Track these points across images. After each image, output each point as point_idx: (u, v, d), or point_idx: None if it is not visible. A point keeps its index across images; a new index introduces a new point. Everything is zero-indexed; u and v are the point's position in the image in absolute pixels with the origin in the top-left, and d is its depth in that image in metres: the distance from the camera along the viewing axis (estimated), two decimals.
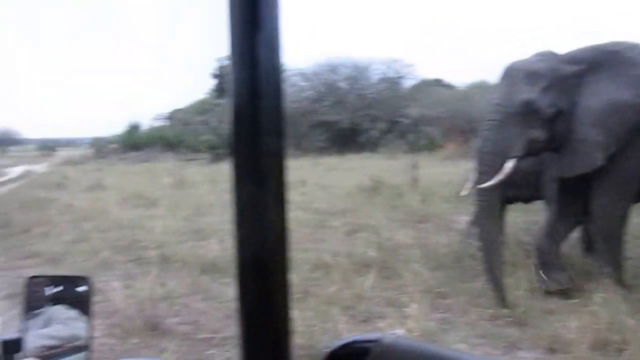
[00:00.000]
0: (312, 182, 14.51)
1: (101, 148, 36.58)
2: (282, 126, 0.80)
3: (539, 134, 5.54)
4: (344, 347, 0.83)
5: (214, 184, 15.86)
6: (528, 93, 5.51)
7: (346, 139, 28.73)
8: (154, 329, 5.07)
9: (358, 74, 31.32)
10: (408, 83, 32.07)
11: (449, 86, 31.99)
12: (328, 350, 0.84)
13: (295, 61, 29.68)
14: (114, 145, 36.62)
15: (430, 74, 34.25)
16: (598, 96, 5.54)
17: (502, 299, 5.33)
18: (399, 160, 19.17)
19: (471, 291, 5.72)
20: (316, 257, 6.79)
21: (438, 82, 32.55)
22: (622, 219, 5.75)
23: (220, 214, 10.22)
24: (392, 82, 31.45)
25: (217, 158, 26.64)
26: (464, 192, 6.31)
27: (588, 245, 6.70)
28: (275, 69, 0.79)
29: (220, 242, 7.74)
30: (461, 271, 6.35)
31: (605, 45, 5.72)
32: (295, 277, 6.12)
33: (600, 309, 4.70)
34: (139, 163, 27.16)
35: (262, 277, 0.82)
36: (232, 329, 4.89)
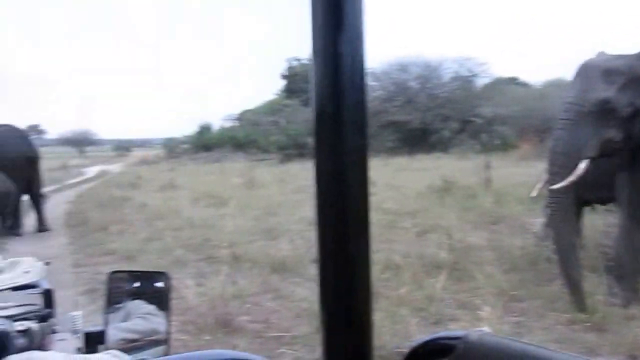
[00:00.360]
0: (383, 182, 14.42)
1: (173, 148, 37.48)
2: (365, 124, 0.80)
3: (614, 134, 5.32)
4: (427, 344, 0.82)
5: (283, 184, 16.03)
6: (604, 91, 5.30)
7: (417, 139, 28.49)
8: (226, 326, 5.15)
9: (429, 73, 31.00)
10: (481, 82, 31.55)
11: (524, 84, 31.24)
12: (411, 346, 0.82)
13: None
14: (185, 146, 37.48)
15: (505, 72, 33.60)
16: None
17: (580, 303, 5.16)
18: (471, 160, 18.85)
19: (547, 295, 5.57)
20: (387, 257, 6.75)
21: (513, 81, 31.85)
22: None
23: (290, 214, 10.32)
24: (464, 81, 30.97)
25: (286, 158, 26.89)
26: (533, 193, 6.14)
27: None
28: (358, 67, 0.79)
29: (290, 241, 7.80)
30: (536, 274, 6.19)
31: None
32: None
33: None
34: (210, 163, 27.66)
35: (344, 274, 0.81)
36: (302, 328, 4.93)
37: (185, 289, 5.76)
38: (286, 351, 4.63)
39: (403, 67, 31.19)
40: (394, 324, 4.76)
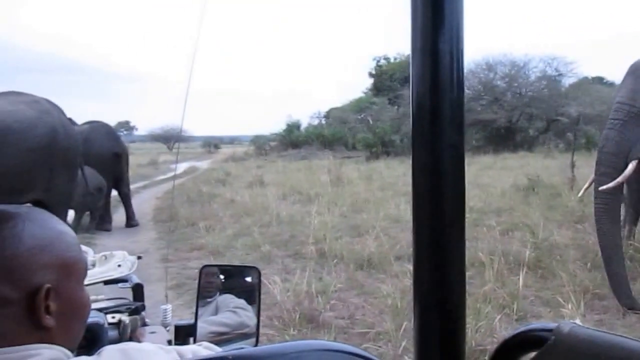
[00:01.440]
0: (468, 180, 13.88)
1: (261, 145, 38.08)
2: (462, 121, 0.83)
3: None
4: (519, 335, 0.81)
5: (369, 181, 16.06)
6: None
7: (502, 137, 27.92)
8: (311, 321, 5.27)
9: (516, 72, 30.28)
10: (568, 81, 30.59)
11: (610, 84, 30.07)
12: (503, 338, 0.82)
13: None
14: (273, 143, 37.98)
15: (592, 72, 32.49)
16: None
17: (626, 301, 5.12)
18: (556, 159, 18.34)
19: (634, 292, 5.46)
20: (471, 255, 6.74)
21: (599, 80, 30.75)
22: None
23: (375, 211, 10.38)
24: (550, 80, 30.10)
25: (372, 156, 26.91)
26: (580, 193, 5.99)
27: None
28: (456, 65, 0.82)
29: (375, 238, 7.87)
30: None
31: None
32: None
33: None
34: (297, 160, 27.92)
35: (439, 270, 0.84)
36: (386, 325, 5.01)
37: (272, 284, 5.89)
38: (370, 347, 4.68)
39: (489, 66, 30.59)
40: (477, 321, 4.78)
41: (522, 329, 0.81)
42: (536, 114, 28.23)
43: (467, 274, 6.00)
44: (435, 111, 0.81)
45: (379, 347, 4.69)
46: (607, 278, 5.35)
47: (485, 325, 4.73)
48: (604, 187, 5.25)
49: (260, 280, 1.71)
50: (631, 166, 5.21)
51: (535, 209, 9.76)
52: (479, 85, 30.30)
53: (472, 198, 11.11)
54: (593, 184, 5.55)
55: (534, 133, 27.94)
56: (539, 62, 30.33)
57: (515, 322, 5.03)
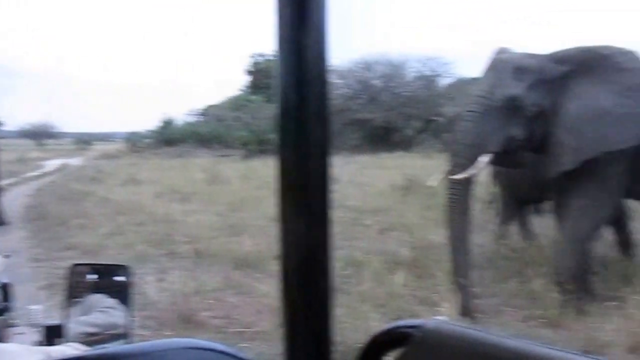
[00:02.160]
0: (346, 180, 14.46)
1: (136, 143, 36.98)
2: (328, 118, 0.81)
3: (518, 131, 5.40)
4: (386, 333, 0.82)
5: (247, 180, 15.95)
6: (514, 88, 5.37)
7: (380, 137, 28.59)
8: (187, 321, 5.14)
9: (393, 71, 31.09)
10: (445, 81, 31.78)
11: None
12: (371, 336, 0.83)
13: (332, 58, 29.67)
14: (148, 140, 37.00)
15: (468, 73, 33.96)
16: (580, 100, 5.40)
17: (462, 295, 5.24)
18: (433, 159, 19.00)
19: (504, 292, 5.67)
20: (349, 254, 6.80)
21: (476, 81, 32.12)
22: (598, 225, 5.65)
23: (253, 210, 10.29)
24: (427, 80, 31.16)
25: (250, 154, 26.78)
26: (432, 183, 6.17)
27: (624, 247, 6.63)
28: (321, 62, 0.80)
29: (253, 237, 7.79)
30: (494, 272, 6.30)
31: (596, 48, 5.57)
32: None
33: (636, 311, 4.63)
34: (173, 158, 27.39)
35: (306, 268, 0.82)
36: (264, 324, 4.94)
37: (147, 284, 5.72)
38: (248, 346, 4.63)
39: (367, 66, 31.23)
40: (355, 320, 4.79)
41: (389, 326, 0.82)
42: (413, 114, 29.13)
43: (345, 273, 6.08)
44: (301, 108, 0.79)
45: (257, 346, 4.62)
46: (452, 267, 5.48)
47: (363, 324, 4.74)
48: (455, 177, 5.36)
49: (132, 280, 1.63)
50: (484, 158, 5.36)
51: (413, 208, 10.01)
52: (357, 84, 30.90)
53: (350, 197, 11.28)
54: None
55: (411, 133, 28.85)
56: (416, 62, 31.33)
57: (392, 320, 5.05)
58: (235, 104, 35.85)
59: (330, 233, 0.83)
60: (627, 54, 5.54)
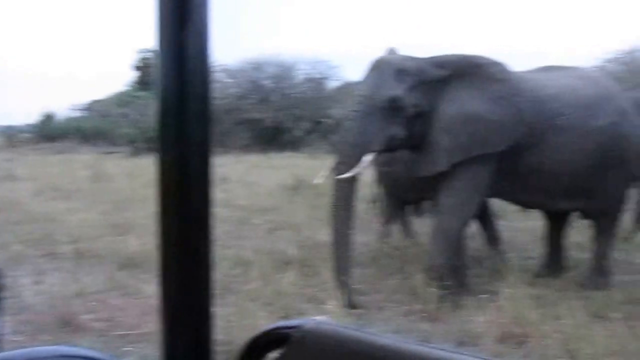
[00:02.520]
0: (235, 179, 14.43)
1: (13, 137, 35.06)
2: (209, 116, 0.81)
3: (398, 131, 5.61)
4: (265, 335, 0.83)
5: (133, 177, 15.53)
6: (395, 90, 5.57)
7: (270, 137, 28.62)
8: (67, 325, 4.94)
9: (283, 72, 31.21)
10: (333, 84, 32.24)
11: None
12: (249, 338, 0.83)
13: (220, 57, 29.47)
14: (27, 135, 35.18)
15: (356, 76, 34.54)
16: (455, 104, 5.70)
17: (343, 290, 5.40)
18: (321, 160, 19.24)
19: (387, 288, 5.85)
20: (237, 254, 6.78)
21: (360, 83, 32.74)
22: (465, 222, 5.95)
23: (139, 209, 10.03)
24: (316, 83, 31.51)
25: (136, 152, 26.05)
26: (318, 181, 6.32)
27: (494, 244, 7.03)
28: (203, 60, 0.80)
29: (140, 237, 7.61)
30: (378, 269, 6.49)
31: (472, 56, 5.90)
32: (216, 274, 6.10)
33: (506, 303, 4.91)
34: (54, 154, 26.22)
35: (186, 270, 0.83)
36: (150, 326, 4.84)
37: (23, 287, 5.46)
38: (132, 349, 4.52)
39: (258, 66, 31.18)
40: (243, 319, 4.79)
41: (268, 327, 0.83)
42: (302, 115, 29.35)
43: (233, 272, 6.07)
44: (181, 106, 0.78)
45: (141, 348, 4.51)
46: (334, 265, 5.60)
47: (251, 323, 4.76)
48: (341, 176, 5.50)
49: (3, 283, 1.55)
50: (367, 157, 5.53)
51: (301, 207, 10.11)
52: (248, 84, 30.79)
53: (239, 197, 11.24)
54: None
55: (300, 134, 29.06)
56: (306, 65, 31.60)
57: (280, 319, 5.11)
58: (122, 100, 34.76)
59: (210, 232, 0.83)
60: (499, 65, 5.90)
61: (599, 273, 6.22)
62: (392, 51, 6.10)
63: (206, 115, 0.80)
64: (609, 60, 25.91)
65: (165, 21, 0.78)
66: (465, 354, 0.75)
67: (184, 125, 0.79)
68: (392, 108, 5.56)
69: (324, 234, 7.98)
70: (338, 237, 5.54)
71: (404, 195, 7.49)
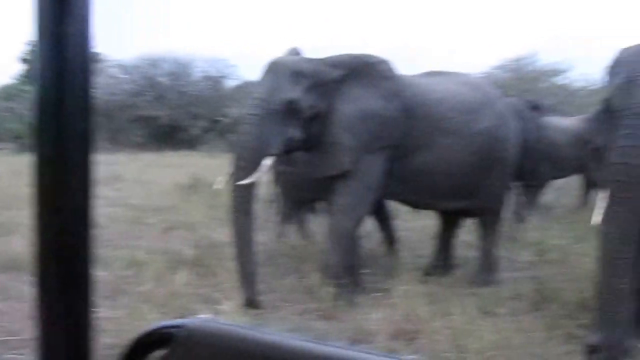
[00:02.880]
0: (129, 177, 14.11)
1: None
2: (89, 110, 0.77)
3: (297, 133, 5.65)
4: (149, 335, 0.82)
5: (18, 175, 14.79)
6: (292, 92, 5.60)
7: (166, 135, 28.14)
8: None
9: (180, 70, 30.77)
10: (231, 83, 32.07)
11: None
12: (133, 338, 0.82)
13: (115, 52, 28.69)
14: None
15: (253, 75, 34.47)
16: (352, 103, 5.80)
17: (249, 297, 5.38)
18: (218, 159, 19.09)
19: (283, 288, 5.86)
20: (130, 254, 6.61)
21: (256, 84, 32.75)
22: (358, 221, 6.06)
23: (24, 208, 9.55)
24: (214, 81, 31.26)
25: (22, 148, 24.90)
26: (218, 186, 6.28)
27: (389, 243, 7.20)
28: (83, 55, 0.77)
29: (24, 237, 7.25)
30: (274, 269, 6.48)
31: (363, 55, 6.01)
32: (108, 275, 5.90)
33: (399, 301, 5.04)
34: None
35: (64, 272, 0.79)
36: (33, 330, 4.62)
37: None
38: (14, 356, 4.29)
39: (154, 62, 30.58)
40: (135, 321, 4.65)
41: (152, 327, 0.83)
42: (200, 114, 29.07)
43: (126, 273, 5.90)
44: (60, 102, 0.75)
45: (23, 355, 4.29)
46: (238, 269, 5.53)
47: (142, 325, 4.62)
48: (245, 181, 5.43)
49: None
50: (267, 161, 5.52)
51: (197, 207, 9.95)
52: (143, 80, 30.11)
53: (133, 196, 11.01)
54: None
55: (197, 132, 28.74)
56: (203, 63, 31.29)
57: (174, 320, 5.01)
58: (8, 94, 33.06)
59: (91, 232, 0.79)
60: (386, 63, 6.04)
61: (486, 270, 6.50)
62: (293, 51, 6.11)
63: (87, 110, 0.77)
64: (497, 68, 27.33)
65: (45, 12, 0.75)
66: (349, 349, 0.76)
67: (63, 120, 0.76)
68: (290, 110, 5.56)
69: (220, 234, 7.92)
70: (240, 243, 5.48)
71: (301, 195, 7.54)
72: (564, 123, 10.50)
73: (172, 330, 0.79)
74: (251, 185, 5.51)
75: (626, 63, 4.23)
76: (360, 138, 5.74)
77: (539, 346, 4.57)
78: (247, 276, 5.43)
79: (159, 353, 0.79)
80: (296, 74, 5.67)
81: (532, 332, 4.82)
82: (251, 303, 5.35)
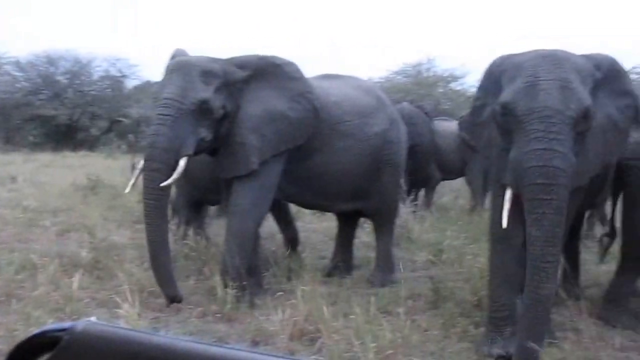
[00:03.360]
0: (24, 178, 13.59)
1: None
2: None
3: (207, 133, 5.60)
4: (33, 339, 0.80)
5: None
6: (204, 92, 5.54)
7: (63, 135, 27.26)
8: None
9: (79, 69, 29.85)
10: (131, 83, 31.37)
11: None
12: (16, 343, 0.80)
13: (10, 49, 27.54)
14: None
15: (153, 76, 33.82)
16: (259, 104, 5.83)
17: (171, 293, 5.37)
18: (118, 160, 18.68)
19: (184, 290, 5.78)
20: (23, 257, 6.37)
21: (159, 84, 32.25)
22: (258, 222, 6.09)
23: None
24: (114, 81, 30.54)
25: None
26: (127, 190, 6.16)
27: (292, 244, 7.29)
28: None
29: None
30: (175, 271, 6.40)
31: (269, 56, 6.05)
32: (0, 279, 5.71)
33: (300, 302, 5.10)
34: None
35: None
36: None
37: None
38: None
39: (51, 60, 29.53)
40: (28, 326, 4.50)
41: (36, 331, 0.80)
42: (99, 114, 28.34)
43: (18, 278, 5.70)
44: None
45: None
46: (154, 272, 5.47)
47: (34, 331, 4.48)
48: (164, 183, 5.33)
49: None
50: (182, 162, 5.47)
51: (95, 209, 9.70)
52: (39, 78, 29.03)
53: (28, 197, 10.61)
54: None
55: (96, 132, 27.95)
56: (103, 62, 30.50)
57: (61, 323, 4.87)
58: None
59: None
60: (293, 64, 6.11)
61: (384, 271, 6.68)
62: (180, 52, 6.08)
63: None
64: (397, 73, 28.14)
65: None
66: (241, 350, 0.78)
67: None
68: (202, 110, 5.50)
69: (119, 235, 7.79)
70: (156, 245, 5.38)
71: (201, 196, 7.51)
72: (452, 127, 10.98)
73: (59, 333, 0.77)
74: (166, 188, 5.43)
75: (525, 68, 4.36)
76: (267, 139, 5.79)
77: (435, 344, 4.75)
78: (166, 276, 5.37)
79: (44, 358, 0.77)
80: (206, 74, 5.62)
81: (430, 331, 5.00)
82: (174, 299, 5.31)
